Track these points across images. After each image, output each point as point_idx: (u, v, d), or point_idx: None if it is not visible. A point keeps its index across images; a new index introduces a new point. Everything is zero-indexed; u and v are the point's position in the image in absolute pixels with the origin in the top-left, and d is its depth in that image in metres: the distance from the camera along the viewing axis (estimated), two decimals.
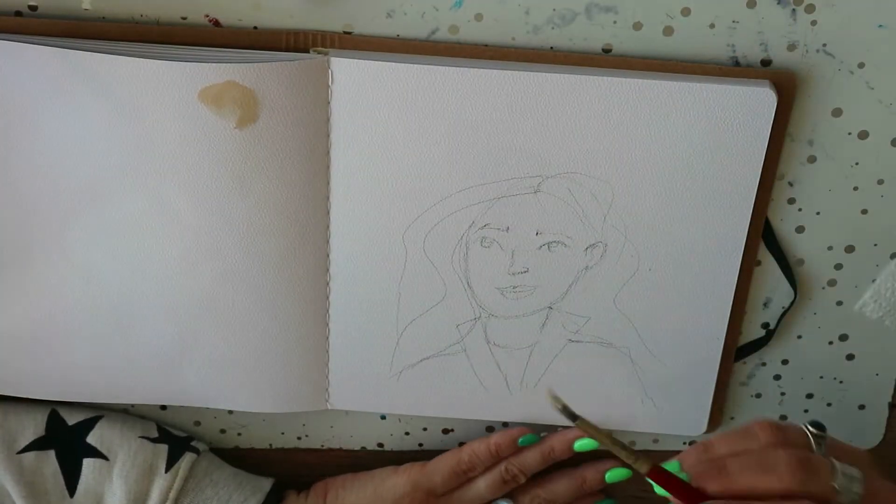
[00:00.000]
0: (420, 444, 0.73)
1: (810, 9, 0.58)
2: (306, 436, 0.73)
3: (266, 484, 0.71)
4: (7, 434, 0.67)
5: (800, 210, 0.65)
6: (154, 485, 0.68)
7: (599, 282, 0.65)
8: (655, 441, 0.73)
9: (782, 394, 0.72)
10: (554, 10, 0.59)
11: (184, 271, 0.64)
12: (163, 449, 0.69)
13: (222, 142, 0.59)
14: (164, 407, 0.72)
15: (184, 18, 0.59)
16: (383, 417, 0.73)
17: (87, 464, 0.67)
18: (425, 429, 0.73)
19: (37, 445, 0.67)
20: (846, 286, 0.67)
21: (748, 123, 0.60)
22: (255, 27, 0.59)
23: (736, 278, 0.65)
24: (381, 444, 0.74)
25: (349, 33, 0.60)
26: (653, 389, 0.69)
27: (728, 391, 0.71)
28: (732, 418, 0.72)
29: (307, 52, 0.60)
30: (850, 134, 0.62)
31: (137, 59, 0.57)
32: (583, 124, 0.60)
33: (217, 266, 0.63)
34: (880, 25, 0.59)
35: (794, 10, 0.58)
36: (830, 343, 0.69)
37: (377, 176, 0.62)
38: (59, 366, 0.68)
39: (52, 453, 0.67)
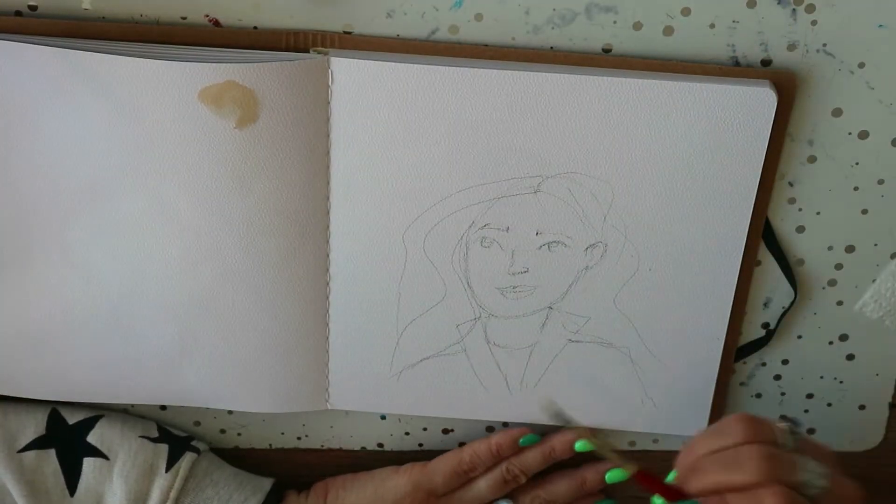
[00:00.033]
0: (420, 444, 0.73)
1: (810, 9, 0.58)
2: (306, 436, 0.73)
3: (266, 484, 0.71)
4: (8, 433, 0.67)
5: (800, 210, 0.65)
6: (154, 484, 0.68)
7: (599, 282, 0.66)
8: (655, 441, 0.73)
9: (782, 394, 0.72)
10: (554, 10, 0.59)
11: (184, 271, 0.64)
12: (163, 448, 0.69)
13: (222, 142, 0.59)
14: (164, 407, 0.72)
15: (184, 18, 0.59)
16: (383, 417, 0.73)
17: (88, 463, 0.67)
18: (425, 429, 0.73)
19: (37, 444, 0.67)
20: (846, 286, 0.67)
21: (748, 123, 0.60)
22: (255, 27, 0.59)
23: (736, 278, 0.65)
24: (381, 444, 0.74)
25: (349, 33, 0.60)
26: (653, 389, 0.69)
27: (728, 391, 0.71)
28: None
29: (307, 52, 0.60)
30: (850, 134, 0.62)
31: (137, 59, 0.57)
32: (583, 124, 0.60)
33: (217, 266, 0.63)
34: (880, 25, 0.59)
35: (794, 10, 0.59)
36: (830, 343, 0.69)
37: (377, 176, 0.62)
38: (58, 366, 0.68)
39: (52, 452, 0.67)
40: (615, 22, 0.59)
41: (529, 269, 0.65)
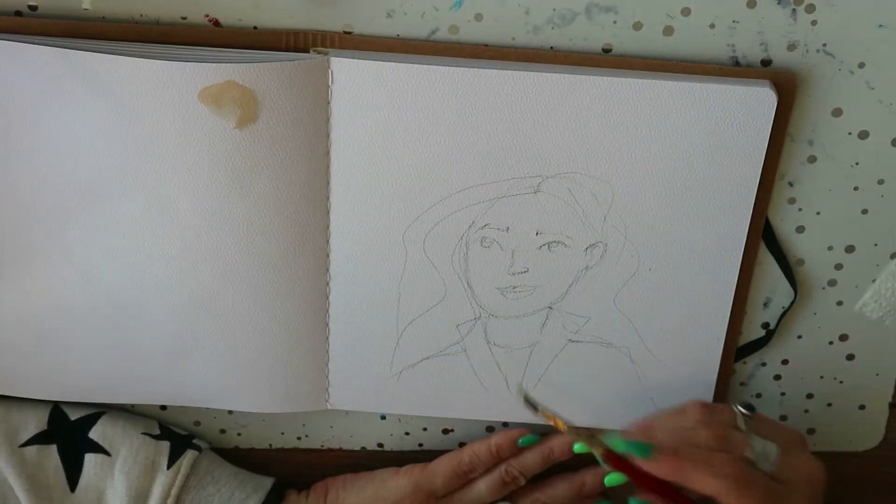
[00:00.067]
0: (420, 444, 0.74)
1: (810, 9, 0.58)
2: (306, 436, 0.73)
3: (267, 483, 0.71)
4: (9, 427, 0.67)
5: (800, 210, 0.65)
6: (156, 481, 0.68)
7: (599, 282, 0.66)
8: None
9: (782, 394, 0.72)
10: (554, 10, 0.59)
11: (184, 271, 0.64)
12: (165, 446, 0.69)
13: (222, 142, 0.59)
14: (164, 407, 0.72)
15: (184, 18, 0.59)
16: (383, 417, 0.73)
17: (89, 459, 0.67)
18: (425, 429, 0.73)
19: (39, 439, 0.68)
20: (846, 286, 0.67)
21: (748, 123, 0.60)
22: (255, 27, 0.59)
23: (736, 278, 0.65)
24: (381, 445, 0.74)
25: (349, 33, 0.60)
26: (653, 389, 0.69)
27: (728, 391, 0.71)
28: None
29: (307, 52, 0.60)
30: (850, 134, 0.62)
31: (137, 59, 0.57)
32: (583, 124, 0.60)
33: (217, 266, 0.63)
34: (880, 25, 0.59)
35: (794, 10, 0.59)
36: (830, 343, 0.70)
37: (377, 176, 0.62)
38: (58, 366, 0.68)
39: (53, 448, 0.67)
40: (615, 22, 0.59)
41: (529, 269, 0.65)
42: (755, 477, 0.58)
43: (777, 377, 0.71)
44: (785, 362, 0.70)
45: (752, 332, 0.69)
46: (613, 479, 0.65)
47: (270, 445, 0.74)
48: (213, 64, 0.57)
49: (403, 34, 0.60)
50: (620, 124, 0.60)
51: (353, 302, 0.66)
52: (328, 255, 0.65)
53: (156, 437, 0.69)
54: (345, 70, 0.59)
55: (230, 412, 0.72)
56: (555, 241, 0.64)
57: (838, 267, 0.67)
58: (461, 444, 0.72)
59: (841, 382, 0.71)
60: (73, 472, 0.67)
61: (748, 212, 0.63)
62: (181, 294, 0.65)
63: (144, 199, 0.61)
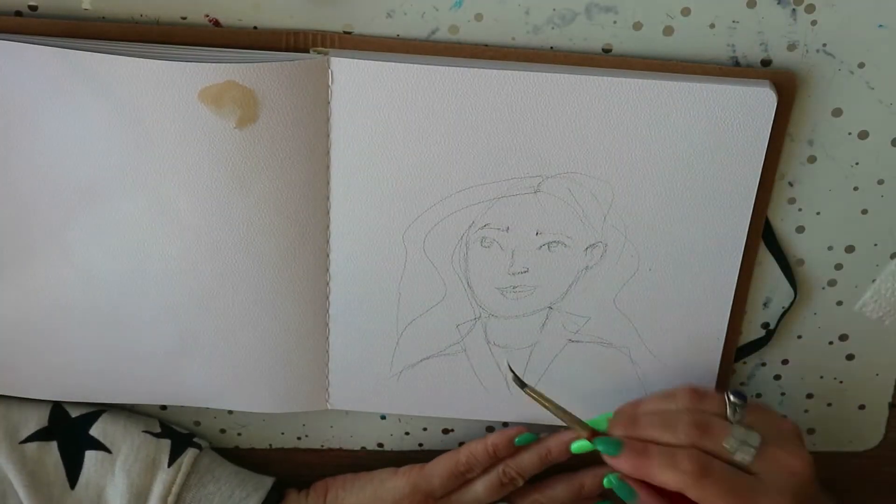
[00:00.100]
0: (420, 445, 0.74)
1: (810, 9, 0.58)
2: (306, 436, 0.73)
3: (268, 482, 0.71)
4: (10, 424, 0.67)
5: (800, 210, 0.65)
6: (156, 479, 0.68)
7: (599, 282, 0.66)
8: None
9: (782, 394, 0.72)
10: (554, 10, 0.59)
11: (184, 271, 0.64)
12: (165, 444, 0.69)
13: (222, 142, 0.59)
14: (164, 407, 0.72)
15: (184, 18, 0.59)
16: (383, 417, 0.73)
17: (90, 456, 0.67)
18: (425, 429, 0.73)
19: (39, 436, 0.68)
20: (846, 286, 0.67)
21: (748, 123, 0.60)
22: (255, 27, 0.59)
23: (736, 278, 0.65)
24: (381, 445, 0.74)
25: (349, 33, 0.60)
26: (653, 389, 0.69)
27: None
28: None
29: (307, 52, 0.60)
30: (850, 134, 0.62)
31: (137, 59, 0.57)
32: (583, 124, 0.60)
33: (217, 266, 0.63)
34: (880, 25, 0.59)
35: (794, 10, 0.59)
36: (830, 343, 0.70)
37: (377, 176, 0.62)
38: (58, 366, 0.68)
39: (54, 444, 0.67)
40: (615, 22, 0.59)
41: (529, 269, 0.65)
42: (718, 470, 0.58)
43: (777, 377, 0.71)
44: (785, 362, 0.70)
45: (752, 332, 0.69)
46: (612, 482, 0.65)
47: (270, 445, 0.74)
48: (213, 64, 0.57)
49: (403, 34, 0.60)
50: (620, 124, 0.60)
51: (353, 302, 0.66)
52: (328, 255, 0.65)
53: (157, 435, 0.69)
54: (345, 70, 0.59)
55: (230, 412, 0.72)
56: (555, 241, 0.64)
57: (838, 267, 0.67)
58: (461, 444, 0.72)
59: (841, 382, 0.71)
60: (73, 469, 0.67)
61: (748, 212, 0.63)
62: (181, 294, 0.65)
63: (144, 199, 0.61)
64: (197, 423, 0.72)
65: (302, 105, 0.59)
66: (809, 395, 0.72)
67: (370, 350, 0.68)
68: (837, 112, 0.61)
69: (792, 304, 0.68)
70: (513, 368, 0.65)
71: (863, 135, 0.62)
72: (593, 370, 0.69)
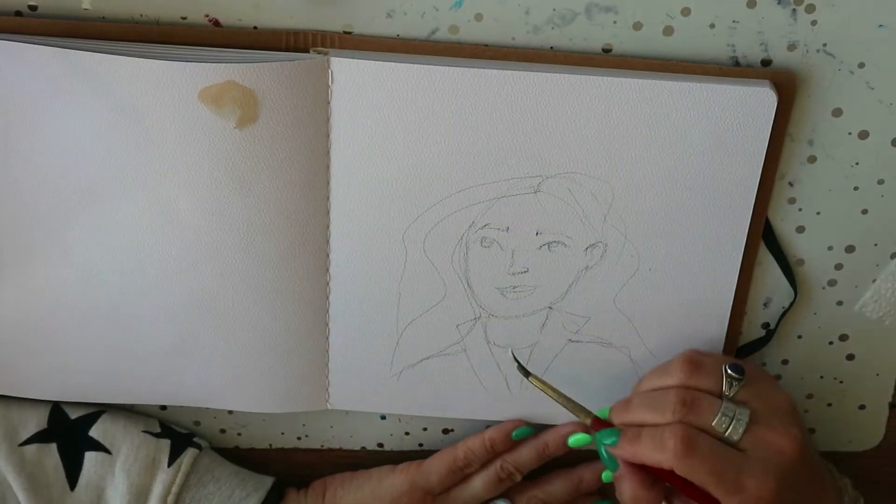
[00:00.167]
0: (420, 444, 0.74)
1: (810, 9, 0.58)
2: (306, 436, 0.73)
3: (267, 482, 0.71)
4: (9, 426, 0.67)
5: (800, 210, 0.65)
6: (156, 479, 0.68)
7: (599, 282, 0.66)
8: None
9: None
10: (554, 10, 0.59)
11: (184, 271, 0.64)
12: (165, 444, 0.69)
13: (222, 142, 0.59)
14: (164, 407, 0.72)
15: (184, 18, 0.59)
16: (383, 417, 0.73)
17: (90, 457, 0.67)
18: (425, 429, 0.73)
19: (39, 438, 0.68)
20: (846, 286, 0.67)
21: (748, 123, 0.60)
22: (255, 27, 0.59)
23: (736, 278, 0.65)
24: (381, 444, 0.74)
25: (349, 33, 0.60)
26: None
27: None
28: None
29: (307, 52, 0.60)
30: (850, 134, 0.62)
31: (137, 59, 0.57)
32: (583, 124, 0.60)
33: (217, 266, 0.63)
34: (880, 25, 0.59)
35: (794, 10, 0.59)
36: (830, 343, 0.69)
37: (377, 176, 0.62)
38: (58, 366, 0.68)
39: (53, 446, 0.67)
40: (615, 22, 0.59)
41: (529, 269, 0.65)
42: (704, 448, 0.58)
43: (777, 377, 0.71)
44: (785, 362, 0.70)
45: (752, 332, 0.69)
46: (610, 476, 0.65)
47: (270, 445, 0.74)
48: (213, 64, 0.57)
49: (403, 34, 0.60)
50: (620, 124, 0.60)
51: (353, 302, 0.66)
52: (328, 255, 0.65)
53: (156, 436, 0.69)
54: (345, 70, 0.59)
55: (230, 412, 0.72)
56: (555, 241, 0.64)
57: (838, 267, 0.67)
58: None
59: (841, 382, 0.71)
60: (72, 471, 0.67)
61: (748, 212, 0.63)
62: (181, 294, 0.65)
63: (144, 199, 0.61)
64: (197, 423, 0.72)
65: (302, 105, 0.59)
66: (809, 396, 0.72)
67: (370, 350, 0.68)
68: (837, 112, 0.61)
69: (792, 304, 0.68)
70: (517, 358, 0.65)
71: (863, 135, 0.62)
72: (593, 370, 0.69)
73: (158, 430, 0.70)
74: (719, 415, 0.60)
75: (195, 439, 0.71)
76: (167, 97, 0.58)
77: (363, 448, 0.74)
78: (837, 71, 0.60)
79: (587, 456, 0.71)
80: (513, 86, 0.59)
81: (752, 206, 0.63)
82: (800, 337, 0.69)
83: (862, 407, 0.72)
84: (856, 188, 0.64)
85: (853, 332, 0.69)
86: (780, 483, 0.59)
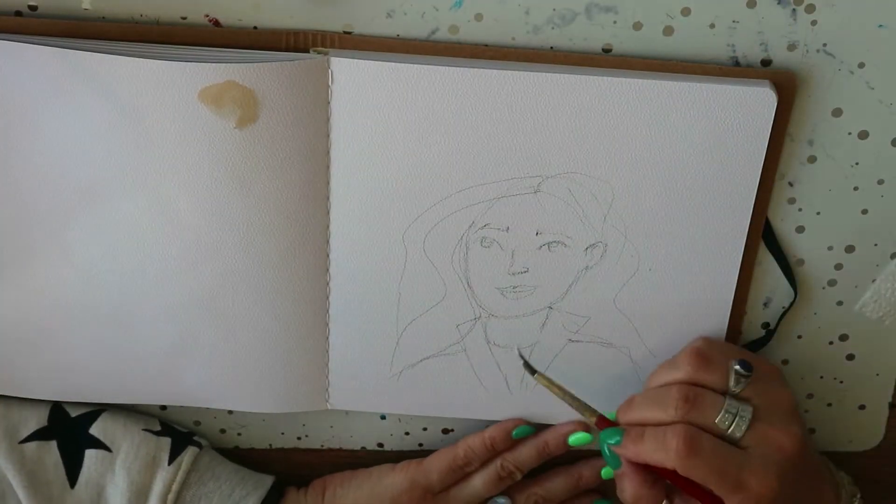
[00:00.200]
0: (420, 444, 0.74)
1: (810, 9, 0.58)
2: (306, 436, 0.73)
3: (268, 480, 0.72)
4: (10, 424, 0.67)
5: (800, 210, 0.65)
6: (157, 477, 0.68)
7: (599, 282, 0.66)
8: None
9: None
10: (554, 10, 0.59)
11: (184, 271, 0.64)
12: (166, 442, 0.69)
13: (222, 142, 0.59)
14: (164, 407, 0.72)
15: (184, 18, 0.59)
16: (383, 417, 0.73)
17: (90, 455, 0.67)
18: (425, 429, 0.73)
19: (39, 436, 0.68)
20: (846, 286, 0.67)
21: (748, 123, 0.60)
22: (255, 27, 0.59)
23: (736, 278, 0.65)
24: (381, 444, 0.74)
25: (349, 33, 0.60)
26: None
27: None
28: None
29: (307, 52, 0.60)
30: (850, 134, 0.62)
31: (137, 59, 0.57)
32: (583, 124, 0.60)
33: (217, 266, 0.63)
34: (880, 25, 0.59)
35: (794, 10, 0.59)
36: (830, 343, 0.69)
37: (377, 176, 0.62)
38: (58, 366, 0.68)
39: (53, 444, 0.67)
40: (615, 22, 0.59)
41: (529, 269, 0.65)
42: (706, 446, 0.59)
43: None
44: (785, 362, 0.70)
45: (752, 332, 0.69)
46: (610, 472, 0.65)
47: (270, 445, 0.74)
48: (213, 64, 0.57)
49: (403, 34, 0.60)
50: (620, 124, 0.60)
51: (353, 302, 0.66)
52: (328, 255, 0.65)
53: (157, 434, 0.69)
54: (345, 70, 0.59)
55: (230, 412, 0.72)
56: (555, 241, 0.64)
57: (838, 267, 0.67)
58: None
59: (841, 382, 0.71)
60: (72, 468, 0.67)
61: (748, 212, 0.63)
62: (181, 294, 0.65)
63: (144, 199, 0.61)
64: (197, 423, 0.72)
65: (302, 105, 0.59)
66: (809, 395, 0.72)
67: (370, 350, 0.68)
68: (837, 112, 0.61)
69: (792, 304, 0.68)
70: (523, 355, 0.66)
71: (863, 135, 0.62)
72: (593, 370, 0.69)
73: (159, 428, 0.70)
74: (722, 412, 0.60)
75: (195, 438, 0.71)
76: (167, 97, 0.58)
77: (363, 448, 0.74)
78: (837, 71, 0.60)
79: (587, 453, 0.71)
80: (513, 86, 0.59)
81: (752, 206, 0.63)
82: (800, 337, 0.69)
83: (862, 407, 0.72)
84: (856, 188, 0.64)
85: (853, 332, 0.69)
86: (780, 480, 0.59)
